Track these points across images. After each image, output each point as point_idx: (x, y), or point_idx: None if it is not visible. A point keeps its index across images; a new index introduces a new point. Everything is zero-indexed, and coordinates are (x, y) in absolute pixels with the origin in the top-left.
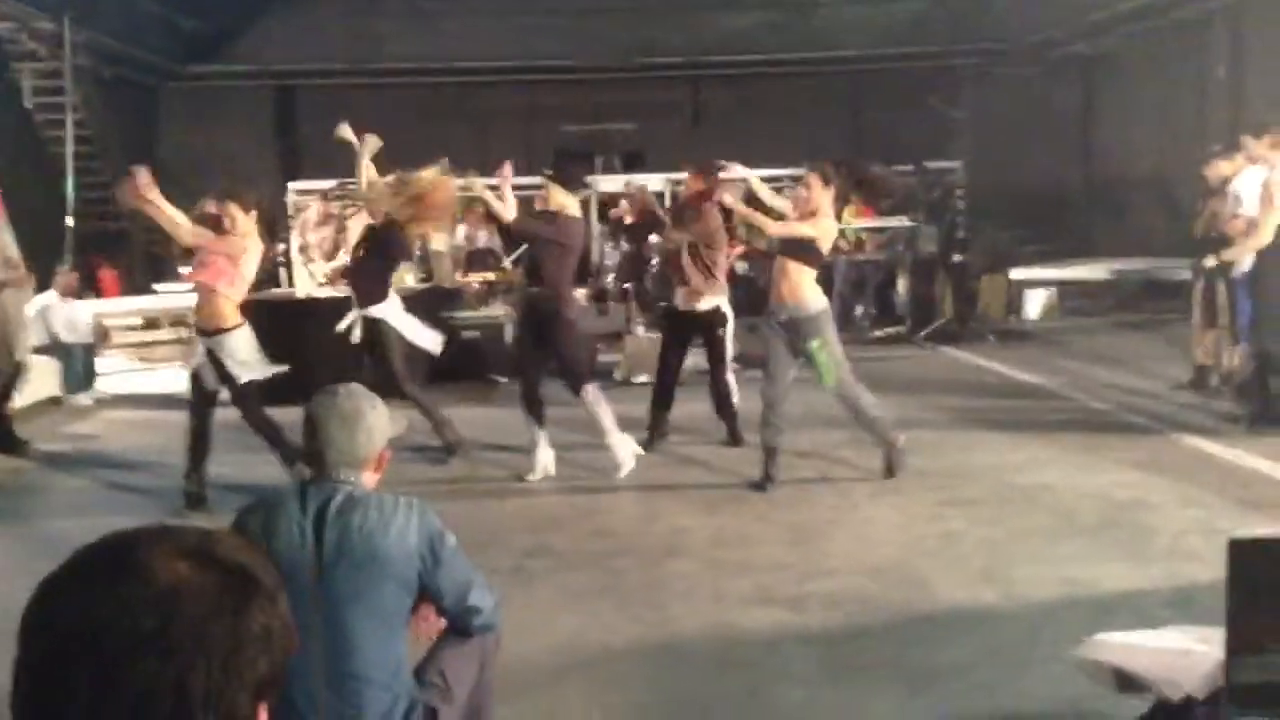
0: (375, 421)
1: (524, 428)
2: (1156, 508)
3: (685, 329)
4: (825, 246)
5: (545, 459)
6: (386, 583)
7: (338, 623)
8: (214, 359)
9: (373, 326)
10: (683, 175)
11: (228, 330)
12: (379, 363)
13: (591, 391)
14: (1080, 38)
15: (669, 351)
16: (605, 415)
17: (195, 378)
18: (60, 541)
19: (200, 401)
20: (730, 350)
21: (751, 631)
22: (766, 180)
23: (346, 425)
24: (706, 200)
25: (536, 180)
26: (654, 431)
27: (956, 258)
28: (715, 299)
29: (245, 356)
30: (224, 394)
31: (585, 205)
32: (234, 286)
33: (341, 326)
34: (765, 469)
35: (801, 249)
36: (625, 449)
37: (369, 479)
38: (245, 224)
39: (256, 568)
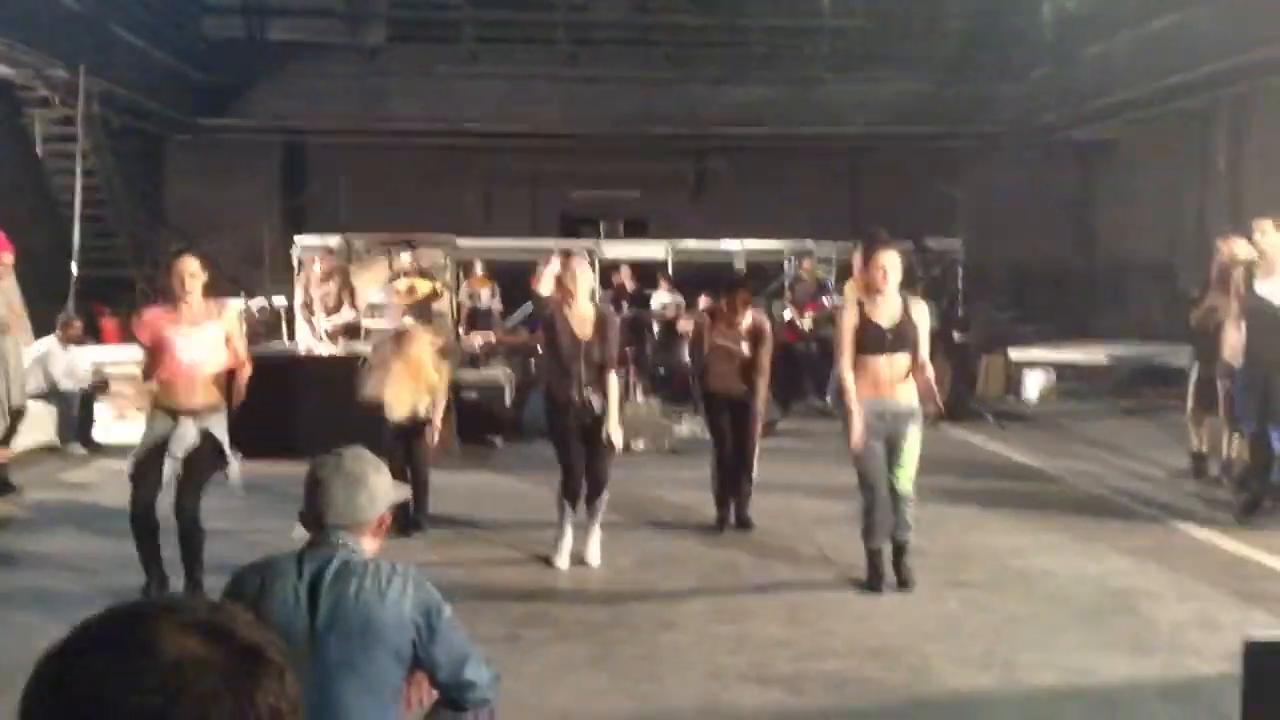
0: (378, 486)
1: (557, 512)
2: (1155, 597)
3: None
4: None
5: (570, 547)
6: (379, 652)
7: (328, 690)
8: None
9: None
10: (685, 243)
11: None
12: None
13: (606, 494)
14: (1080, 124)
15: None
16: (600, 517)
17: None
18: (46, 594)
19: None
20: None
21: (748, 710)
22: (768, 253)
23: (349, 488)
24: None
25: (543, 244)
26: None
27: (956, 336)
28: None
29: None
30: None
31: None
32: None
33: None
34: (872, 570)
35: (912, 339)
36: (598, 549)
37: (368, 544)
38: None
39: (267, 646)
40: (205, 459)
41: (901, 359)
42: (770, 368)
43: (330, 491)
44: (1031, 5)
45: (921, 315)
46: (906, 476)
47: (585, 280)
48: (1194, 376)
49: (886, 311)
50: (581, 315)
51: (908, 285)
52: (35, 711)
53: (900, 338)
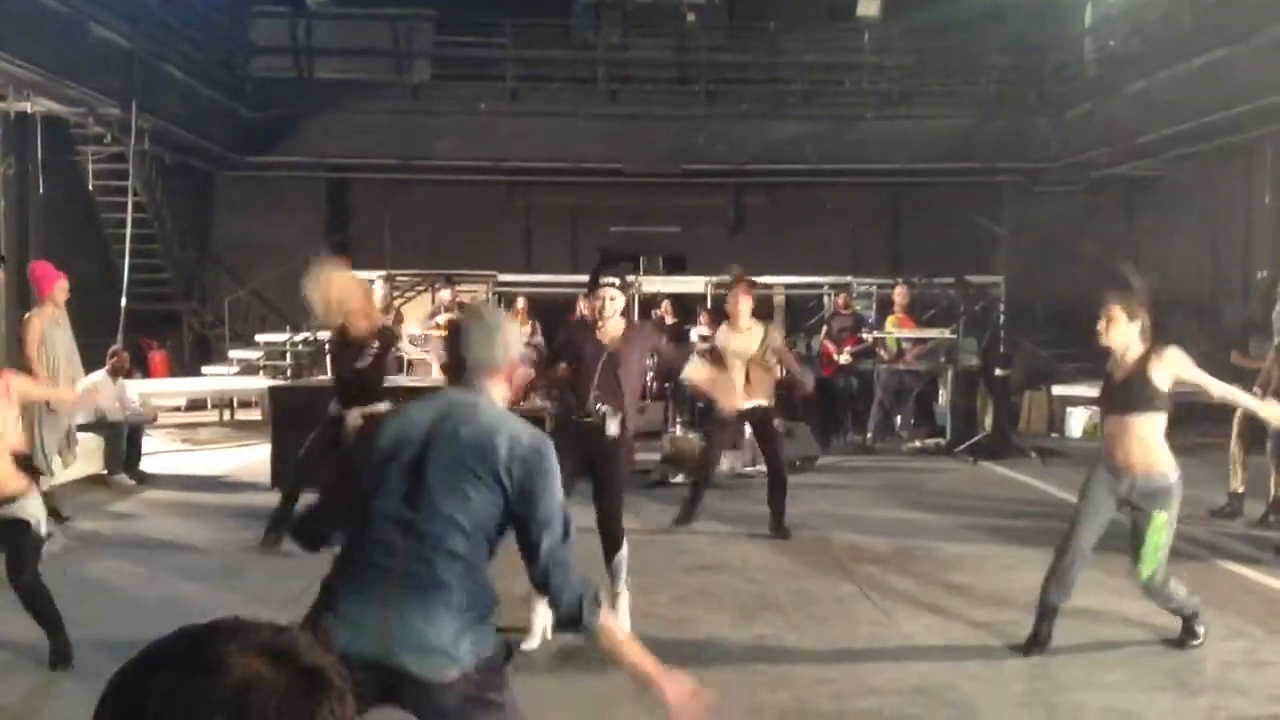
0: (511, 335)
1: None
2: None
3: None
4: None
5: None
6: (479, 481)
7: (429, 496)
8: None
9: None
10: (723, 278)
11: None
12: None
13: (626, 549)
14: (1123, 160)
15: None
16: (624, 572)
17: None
18: (91, 623)
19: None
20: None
21: None
22: (805, 288)
23: (487, 333)
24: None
25: (581, 279)
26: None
27: (998, 372)
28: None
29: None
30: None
31: (627, 305)
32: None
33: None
34: (1036, 628)
35: (1146, 397)
36: (626, 617)
37: (499, 390)
38: None
39: (328, 668)
40: None
41: (1135, 421)
42: (808, 402)
43: (470, 336)
44: (1072, 42)
45: (1168, 367)
46: (1145, 568)
47: (616, 305)
48: (1239, 414)
49: (1121, 364)
50: (612, 334)
51: (950, 320)
52: None
53: (1129, 394)
